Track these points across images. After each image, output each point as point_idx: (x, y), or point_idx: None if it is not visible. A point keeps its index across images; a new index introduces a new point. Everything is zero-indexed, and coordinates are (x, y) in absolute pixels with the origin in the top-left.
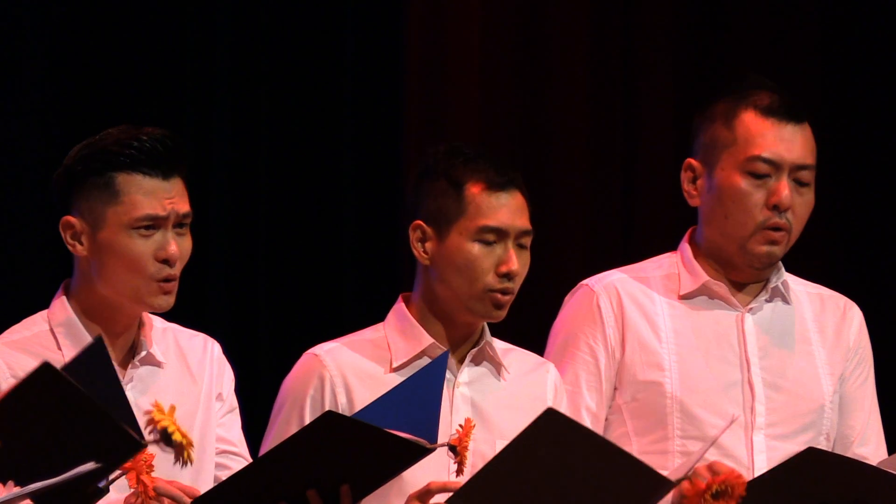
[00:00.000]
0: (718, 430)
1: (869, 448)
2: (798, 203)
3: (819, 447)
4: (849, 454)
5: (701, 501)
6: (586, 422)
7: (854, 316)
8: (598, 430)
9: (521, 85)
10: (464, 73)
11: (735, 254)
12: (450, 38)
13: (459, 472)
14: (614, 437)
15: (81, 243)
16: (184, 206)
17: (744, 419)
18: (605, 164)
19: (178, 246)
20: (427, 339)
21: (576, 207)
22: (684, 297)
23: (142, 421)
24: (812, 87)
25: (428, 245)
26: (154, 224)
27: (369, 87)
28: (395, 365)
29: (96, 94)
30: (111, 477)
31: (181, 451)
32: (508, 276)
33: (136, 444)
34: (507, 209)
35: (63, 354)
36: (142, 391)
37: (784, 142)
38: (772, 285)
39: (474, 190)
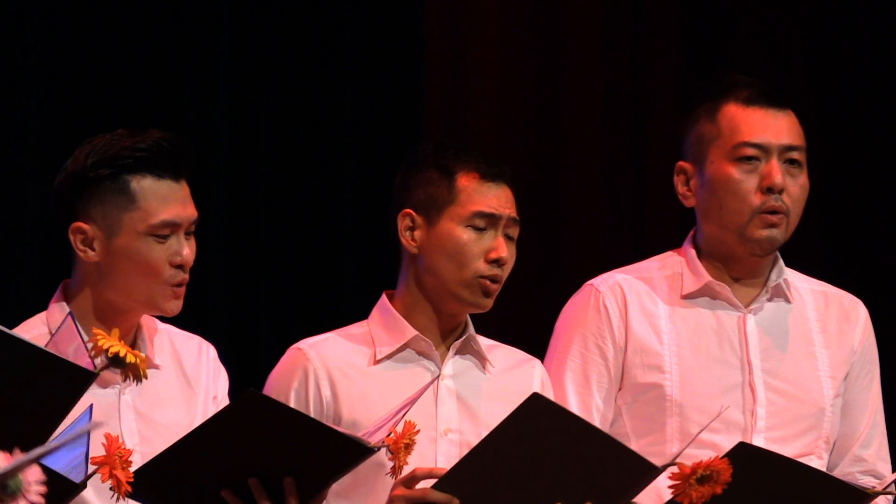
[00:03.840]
0: (715, 433)
1: (871, 450)
2: (792, 185)
3: (818, 450)
4: (849, 455)
5: (686, 486)
6: (596, 422)
7: (860, 316)
8: (605, 429)
9: (537, 93)
10: (482, 79)
11: (736, 244)
12: (468, 42)
13: (394, 472)
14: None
15: (93, 249)
16: (194, 212)
17: (744, 422)
18: (616, 169)
19: (190, 250)
20: (410, 332)
21: (587, 212)
22: (686, 297)
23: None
24: (811, 86)
25: (417, 233)
26: (169, 231)
27: (371, 86)
28: (378, 357)
29: (96, 94)
30: (87, 472)
31: (136, 371)
32: (498, 263)
33: (88, 374)
34: (497, 198)
35: None
36: (138, 393)
37: (769, 126)
38: (772, 284)
39: (466, 178)
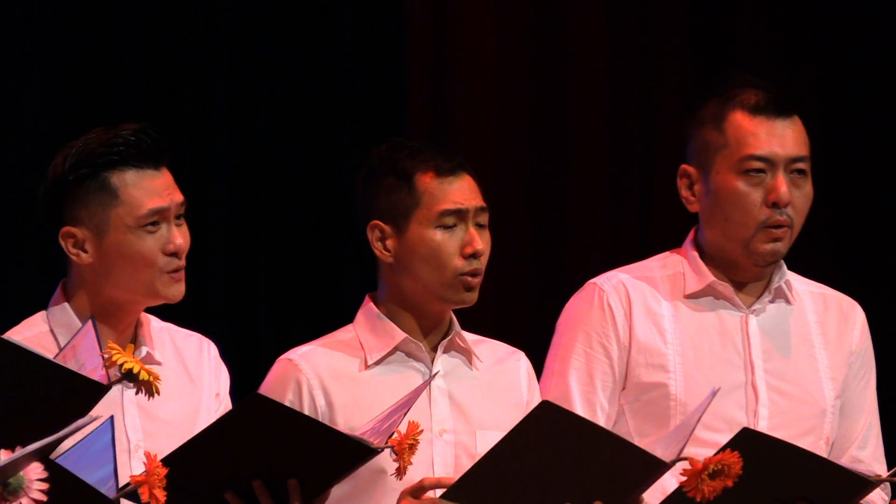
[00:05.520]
0: (717, 432)
1: (867, 452)
2: (797, 196)
3: (819, 452)
4: (845, 456)
5: (698, 481)
6: (601, 422)
7: (857, 318)
8: (609, 429)
9: (537, 88)
10: (476, 72)
11: (739, 254)
12: (458, 37)
13: (399, 473)
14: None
15: (86, 251)
16: (179, 196)
17: (746, 421)
18: (621, 165)
19: (182, 236)
20: (400, 335)
21: (593, 211)
22: (689, 297)
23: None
24: (815, 89)
25: (388, 242)
26: (158, 218)
27: (371, 83)
28: (369, 363)
29: (95, 94)
30: (121, 488)
31: (149, 387)
32: (475, 256)
33: (100, 388)
34: (460, 191)
35: None
36: None
37: (776, 137)
38: (774, 285)
39: (425, 179)
